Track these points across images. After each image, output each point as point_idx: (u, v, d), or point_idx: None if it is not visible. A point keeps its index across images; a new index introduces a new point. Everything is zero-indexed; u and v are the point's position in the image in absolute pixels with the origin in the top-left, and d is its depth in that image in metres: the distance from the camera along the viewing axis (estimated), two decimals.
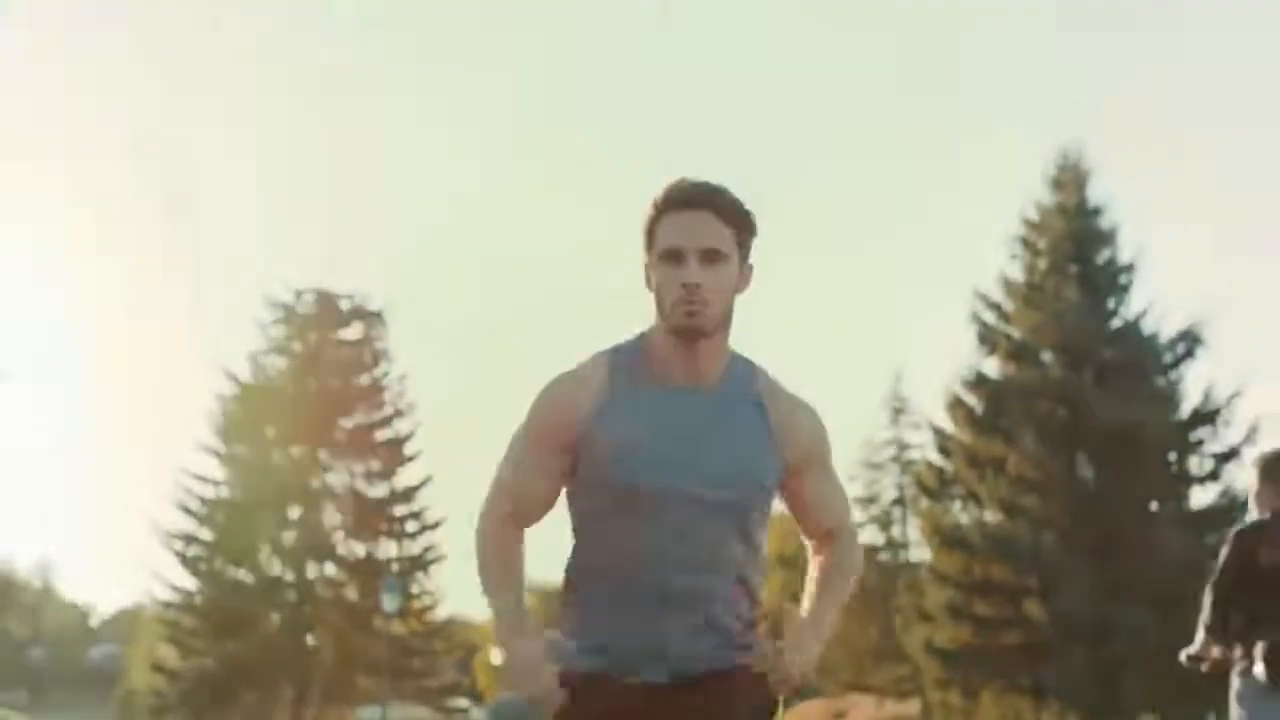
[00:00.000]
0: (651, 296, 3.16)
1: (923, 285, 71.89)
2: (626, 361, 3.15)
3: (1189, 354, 29.94)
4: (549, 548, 3.33)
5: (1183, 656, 6.22)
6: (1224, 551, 6.06)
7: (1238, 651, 5.94)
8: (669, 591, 3.07)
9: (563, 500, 3.20)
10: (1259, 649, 5.93)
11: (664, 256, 3.08)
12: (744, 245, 3.13)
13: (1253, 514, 6.29)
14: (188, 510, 37.36)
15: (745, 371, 3.19)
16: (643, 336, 3.18)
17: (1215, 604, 5.98)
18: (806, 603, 3.28)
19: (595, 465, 3.08)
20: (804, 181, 79.13)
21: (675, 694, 3.10)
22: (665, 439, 3.07)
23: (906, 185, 77.75)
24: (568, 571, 3.21)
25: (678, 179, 3.14)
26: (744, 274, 3.15)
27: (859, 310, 75.40)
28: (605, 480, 3.08)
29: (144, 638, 62.62)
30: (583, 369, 3.16)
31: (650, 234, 3.13)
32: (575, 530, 3.18)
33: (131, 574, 65.57)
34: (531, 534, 3.24)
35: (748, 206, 3.14)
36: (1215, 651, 6.06)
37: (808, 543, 3.38)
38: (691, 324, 3.05)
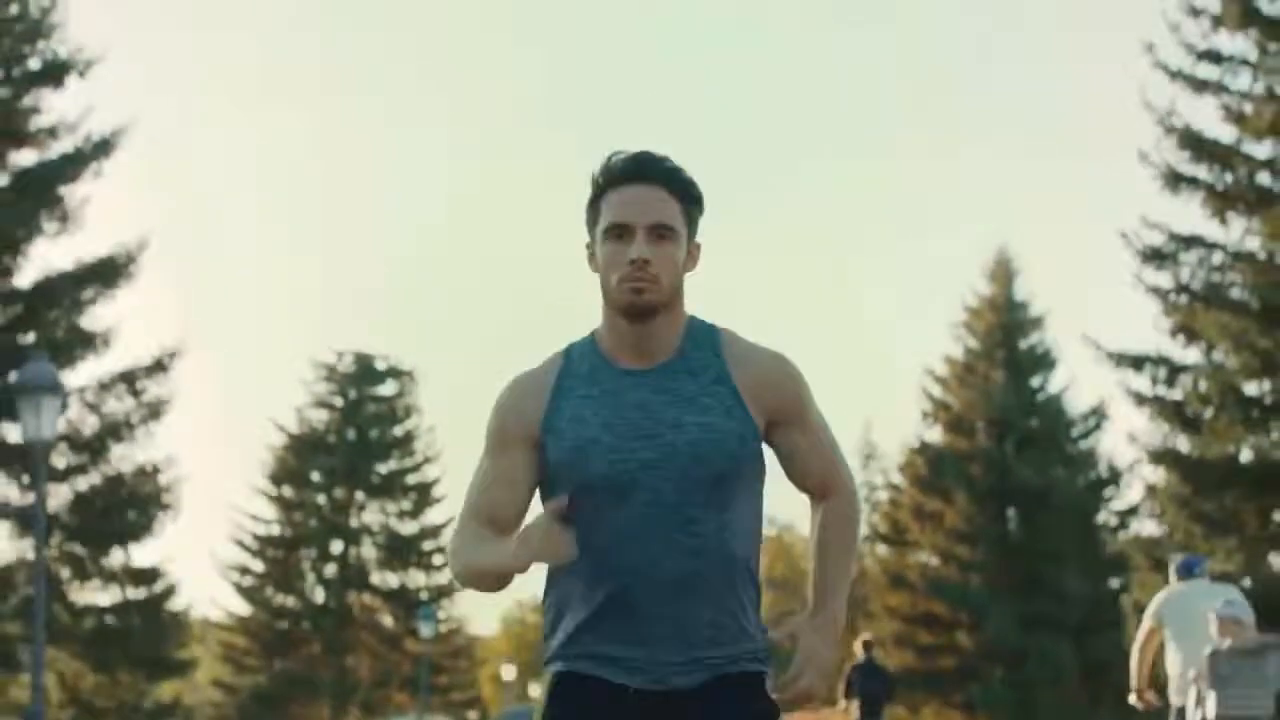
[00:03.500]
0: (596, 279, 3.11)
1: (899, 340, 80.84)
2: (579, 354, 3.14)
3: (1098, 426, 38.38)
4: None
5: (840, 707, 16.21)
6: (847, 670, 15.39)
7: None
8: (647, 582, 3.02)
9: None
10: (854, 705, 15.19)
11: (609, 232, 3.05)
12: (692, 220, 3.12)
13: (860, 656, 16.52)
14: (242, 545, 45.47)
15: (704, 335, 3.14)
16: (594, 331, 3.16)
17: (845, 691, 15.43)
18: (812, 579, 3.17)
19: (551, 464, 3.06)
20: (791, 210, 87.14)
21: (670, 704, 3.04)
22: (617, 422, 3.04)
23: (898, 228, 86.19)
24: (547, 578, 3.18)
25: (619, 151, 3.14)
26: (692, 252, 3.13)
27: (835, 359, 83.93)
28: (561, 476, 3.05)
29: None
30: (535, 370, 3.16)
31: (594, 210, 3.11)
32: None
33: None
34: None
35: (694, 179, 3.14)
36: (851, 708, 15.48)
37: (805, 496, 3.27)
38: (639, 301, 3.03)
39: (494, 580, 3.04)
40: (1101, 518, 38.37)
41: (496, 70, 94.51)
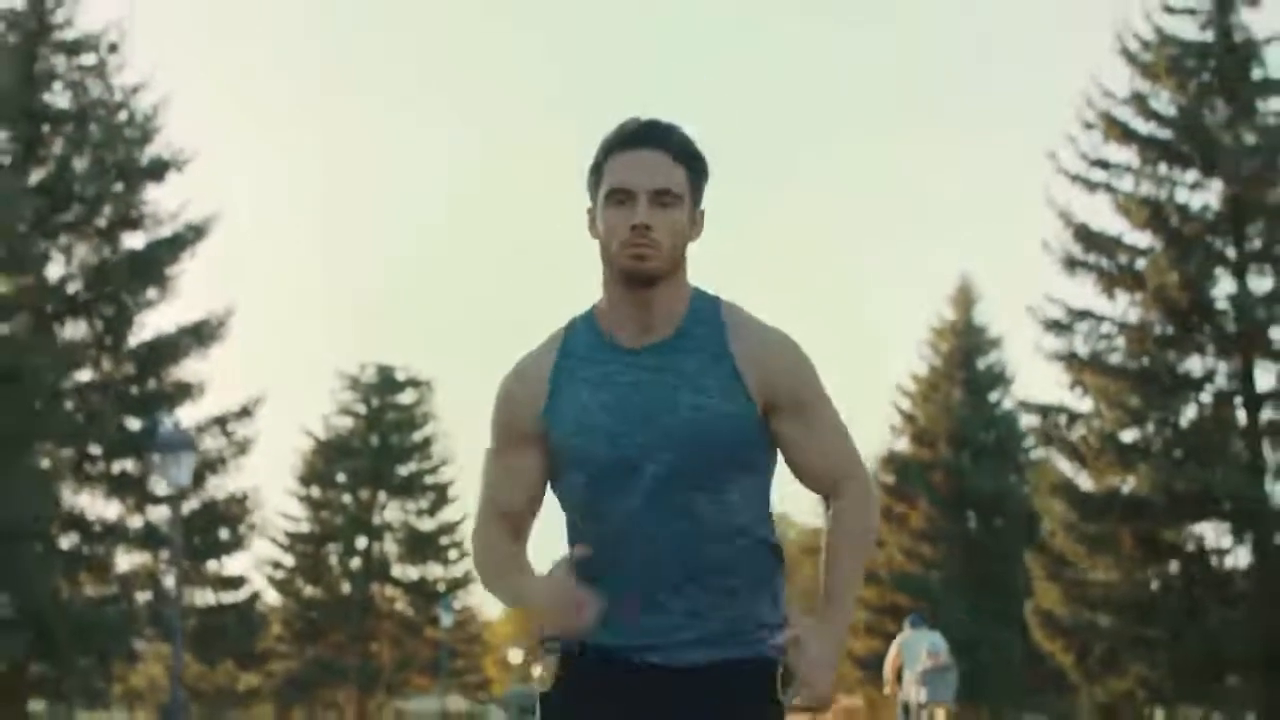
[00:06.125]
0: (597, 246, 3.22)
1: (893, 343, 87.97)
2: (579, 330, 3.27)
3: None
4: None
5: None
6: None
7: None
8: (651, 567, 3.16)
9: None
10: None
11: (611, 197, 3.16)
12: (697, 188, 3.22)
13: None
14: (275, 541, 52.32)
15: (707, 312, 3.24)
16: (595, 304, 3.28)
17: None
18: (823, 582, 3.23)
19: (555, 452, 3.22)
20: (791, 209, 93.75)
21: (673, 679, 3.18)
22: (615, 405, 3.17)
23: (898, 229, 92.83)
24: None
25: (627, 119, 3.25)
26: (696, 219, 3.23)
27: (826, 359, 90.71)
28: (565, 464, 3.21)
29: None
30: (532, 355, 3.29)
31: (596, 174, 3.22)
32: (566, 519, 3.32)
33: None
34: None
35: (699, 147, 3.24)
36: None
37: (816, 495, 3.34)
38: (640, 267, 3.14)
39: (511, 607, 3.26)
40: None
41: (499, 72, 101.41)
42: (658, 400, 3.17)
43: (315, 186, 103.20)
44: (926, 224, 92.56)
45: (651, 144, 3.18)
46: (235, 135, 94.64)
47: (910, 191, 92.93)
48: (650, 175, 3.15)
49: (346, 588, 52.19)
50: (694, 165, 3.22)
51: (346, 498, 52.75)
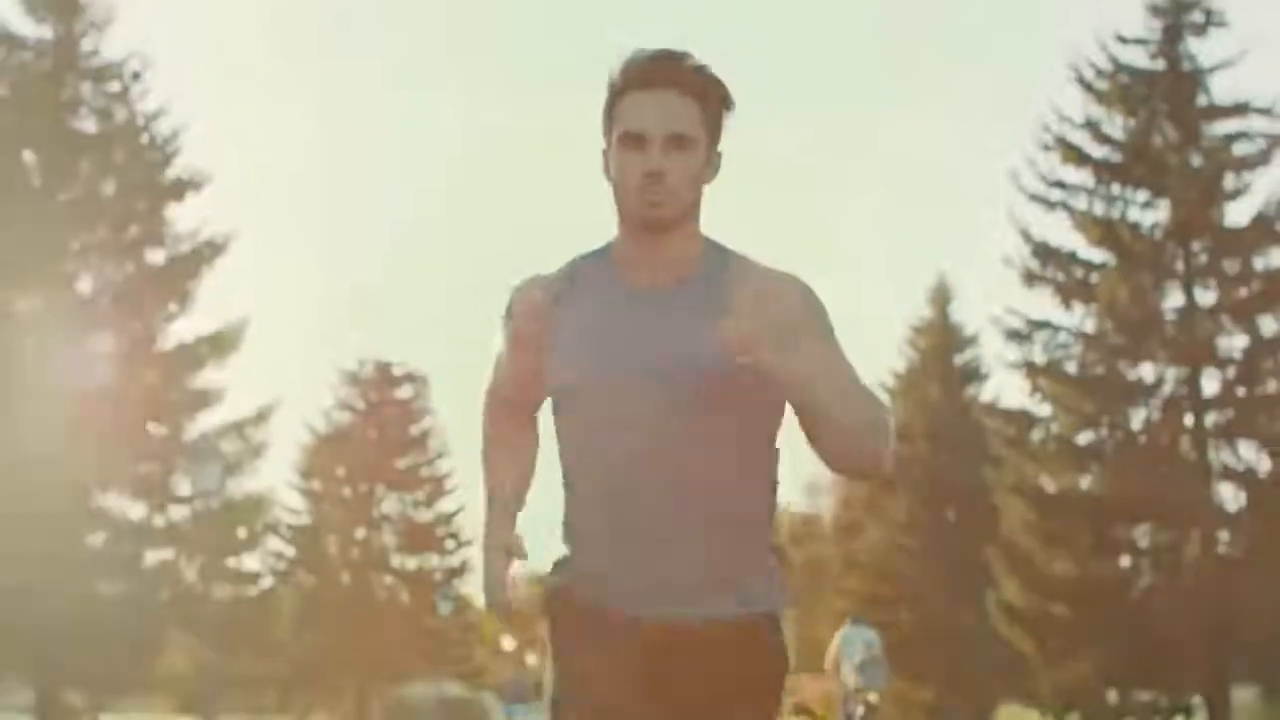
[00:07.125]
0: (609, 187, 3.21)
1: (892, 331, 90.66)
2: (590, 265, 3.31)
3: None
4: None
5: None
6: None
7: None
8: (627, 503, 3.18)
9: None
10: None
11: (624, 141, 3.14)
12: (714, 126, 3.21)
13: None
14: (276, 533, 54.94)
15: (715, 265, 3.23)
16: (610, 243, 3.31)
17: None
18: None
19: (548, 369, 3.29)
20: (790, 190, 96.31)
21: (669, 637, 3.21)
22: (603, 336, 3.20)
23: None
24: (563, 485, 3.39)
25: (637, 51, 3.18)
26: (712, 160, 3.22)
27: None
28: (554, 390, 3.30)
29: None
30: (546, 279, 3.35)
31: (609, 115, 3.20)
32: (561, 466, 3.38)
33: None
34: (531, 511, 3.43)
35: (718, 78, 3.18)
36: None
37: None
38: (653, 215, 3.13)
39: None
40: None
41: (499, 72, 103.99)
42: (646, 333, 3.19)
43: (315, 192, 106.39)
44: (914, 227, 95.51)
45: (665, 83, 3.16)
46: (238, 150, 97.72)
47: (900, 196, 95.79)
48: (663, 119, 3.14)
49: (346, 578, 54.52)
50: (711, 102, 3.21)
51: (346, 490, 55.14)
